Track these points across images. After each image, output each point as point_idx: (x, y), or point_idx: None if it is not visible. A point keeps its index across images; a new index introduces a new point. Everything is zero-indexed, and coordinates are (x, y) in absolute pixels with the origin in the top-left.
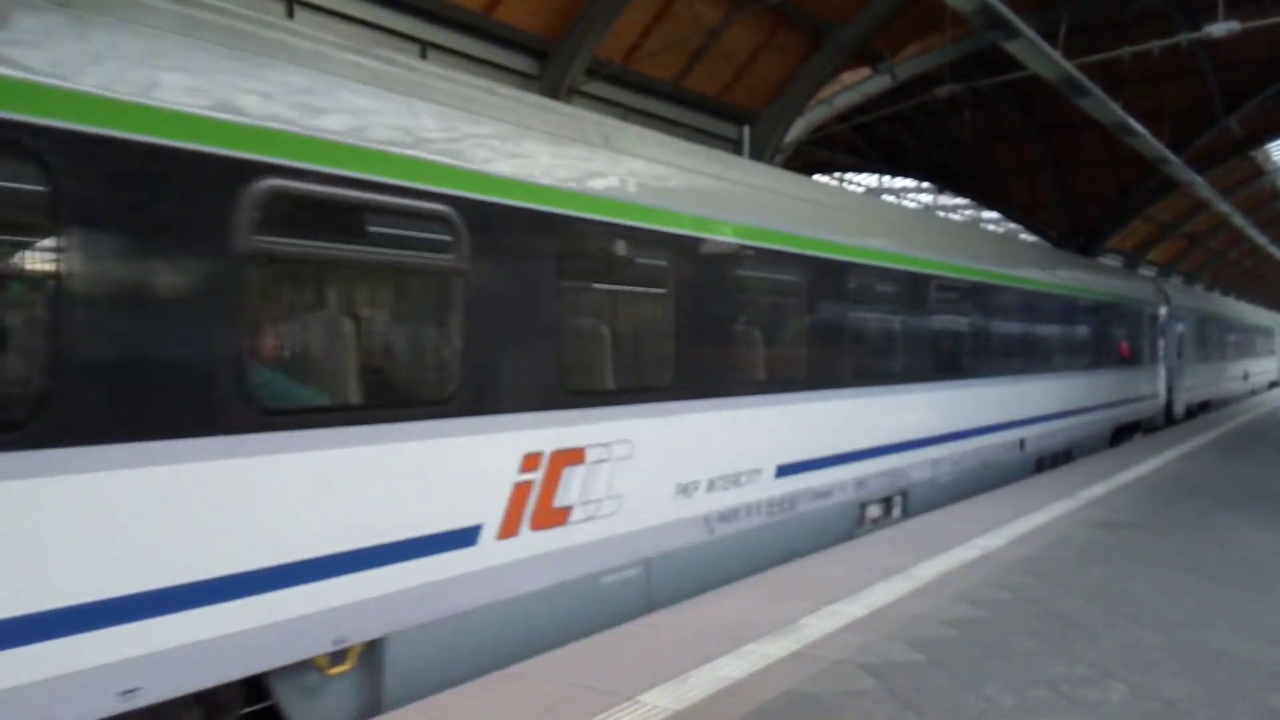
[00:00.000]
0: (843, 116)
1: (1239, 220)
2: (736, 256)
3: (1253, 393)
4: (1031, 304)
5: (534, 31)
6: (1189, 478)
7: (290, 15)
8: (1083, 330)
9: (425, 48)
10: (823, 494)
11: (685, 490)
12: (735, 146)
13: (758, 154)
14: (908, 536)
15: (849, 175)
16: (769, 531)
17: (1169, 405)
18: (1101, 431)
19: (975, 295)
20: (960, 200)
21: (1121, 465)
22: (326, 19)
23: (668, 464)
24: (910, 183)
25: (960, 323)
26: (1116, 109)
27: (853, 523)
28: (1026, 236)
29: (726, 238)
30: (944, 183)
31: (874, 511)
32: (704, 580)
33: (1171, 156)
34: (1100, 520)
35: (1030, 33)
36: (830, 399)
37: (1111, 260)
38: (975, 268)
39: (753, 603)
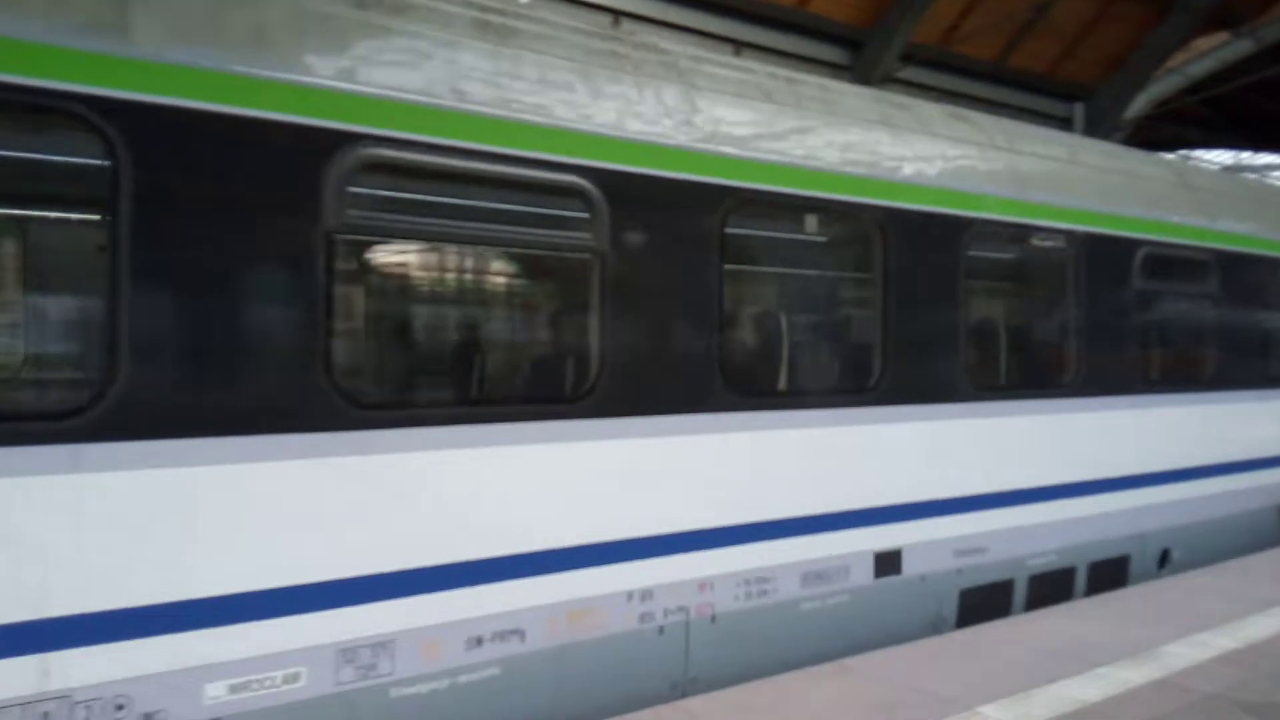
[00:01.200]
0: (1191, 88)
1: None
2: None
3: None
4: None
5: (846, 21)
6: None
7: (616, 24)
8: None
9: (739, 47)
10: None
11: None
12: (1066, 125)
13: (1092, 131)
14: None
15: (1198, 152)
16: None
17: None
18: (1242, 514)
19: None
20: None
21: None
22: (649, 26)
23: None
24: (1277, 159)
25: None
26: None
27: None
28: None
29: None
30: None
31: None
32: None
33: None
34: None
35: None
36: None
37: None
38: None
39: (1101, 624)
